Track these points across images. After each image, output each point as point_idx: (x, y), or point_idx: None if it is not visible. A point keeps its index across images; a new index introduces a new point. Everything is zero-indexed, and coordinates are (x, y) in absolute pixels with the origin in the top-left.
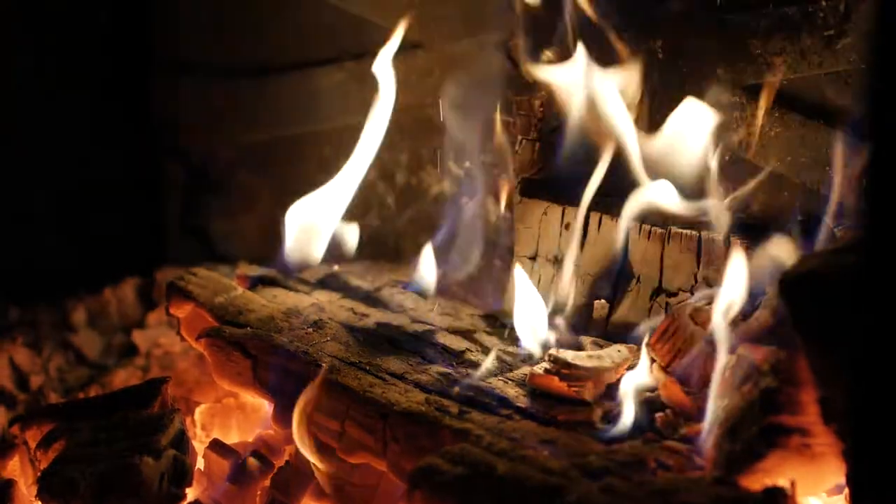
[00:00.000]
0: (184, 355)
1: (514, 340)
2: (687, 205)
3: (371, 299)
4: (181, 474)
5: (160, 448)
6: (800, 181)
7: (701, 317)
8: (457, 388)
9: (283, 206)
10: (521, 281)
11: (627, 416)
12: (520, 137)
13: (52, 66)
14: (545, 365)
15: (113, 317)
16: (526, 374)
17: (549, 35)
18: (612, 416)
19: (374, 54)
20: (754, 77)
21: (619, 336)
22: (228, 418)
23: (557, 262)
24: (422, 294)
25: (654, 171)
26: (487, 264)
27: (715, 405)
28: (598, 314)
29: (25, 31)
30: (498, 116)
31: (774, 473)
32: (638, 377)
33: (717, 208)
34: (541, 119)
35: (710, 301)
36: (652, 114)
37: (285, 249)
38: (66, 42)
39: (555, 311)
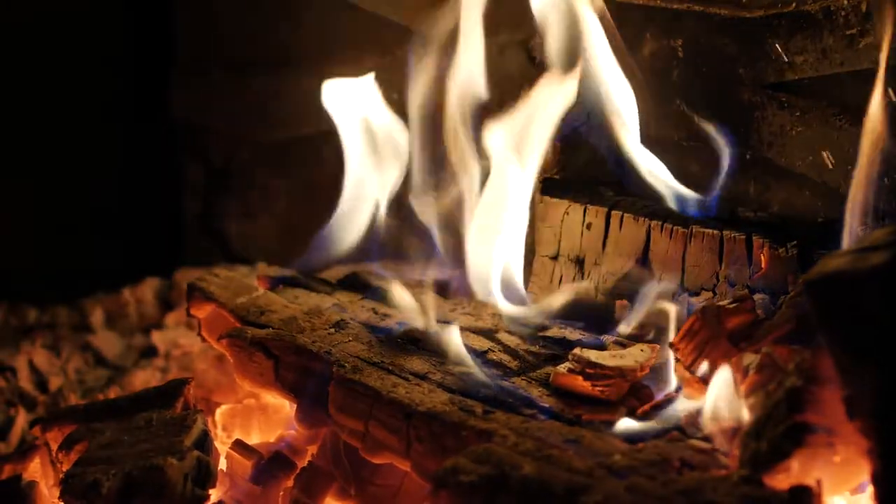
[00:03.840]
0: (203, 356)
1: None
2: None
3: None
4: (205, 475)
5: (184, 449)
6: (821, 181)
7: (725, 316)
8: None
9: (301, 207)
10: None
11: None
12: None
13: (72, 65)
14: (569, 364)
15: (132, 318)
16: (549, 374)
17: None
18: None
19: (393, 53)
20: (776, 76)
21: (641, 335)
22: (250, 419)
23: (579, 261)
24: None
25: None
26: None
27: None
28: (619, 314)
29: (45, 29)
30: None
31: (800, 472)
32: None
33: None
34: (562, 119)
35: (734, 300)
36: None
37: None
38: (88, 41)
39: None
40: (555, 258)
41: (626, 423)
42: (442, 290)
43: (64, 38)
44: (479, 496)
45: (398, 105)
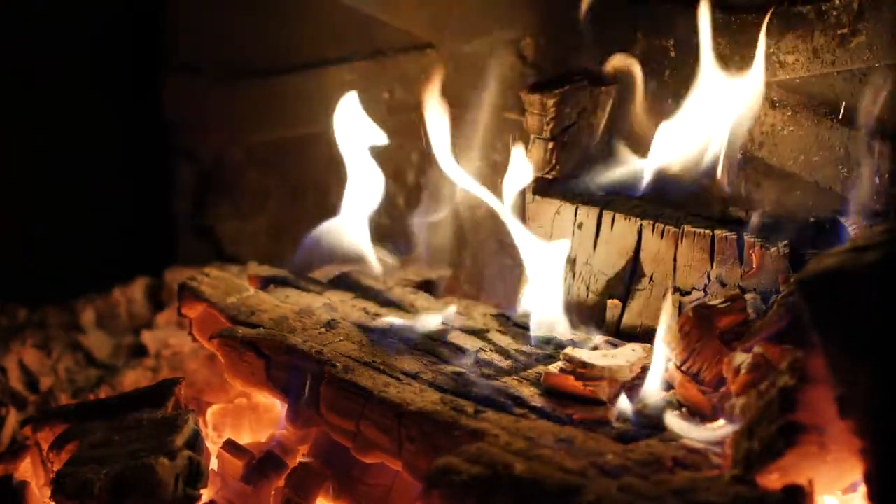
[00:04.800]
0: (193, 356)
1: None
2: None
3: (383, 299)
4: (196, 475)
5: (175, 449)
6: (812, 180)
7: (716, 316)
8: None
9: (292, 207)
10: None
11: None
12: (532, 136)
13: (62, 66)
14: (560, 364)
15: (122, 317)
16: (540, 373)
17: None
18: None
19: (384, 54)
20: (767, 76)
21: (632, 335)
22: (240, 419)
23: (571, 261)
24: None
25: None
26: (499, 263)
27: (733, 404)
28: (610, 313)
29: (36, 31)
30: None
31: (792, 472)
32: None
33: None
34: (553, 118)
35: (725, 300)
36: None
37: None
38: (77, 43)
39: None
40: None
41: None
42: (431, 289)
43: (60, 39)
44: (471, 496)
45: (389, 104)
